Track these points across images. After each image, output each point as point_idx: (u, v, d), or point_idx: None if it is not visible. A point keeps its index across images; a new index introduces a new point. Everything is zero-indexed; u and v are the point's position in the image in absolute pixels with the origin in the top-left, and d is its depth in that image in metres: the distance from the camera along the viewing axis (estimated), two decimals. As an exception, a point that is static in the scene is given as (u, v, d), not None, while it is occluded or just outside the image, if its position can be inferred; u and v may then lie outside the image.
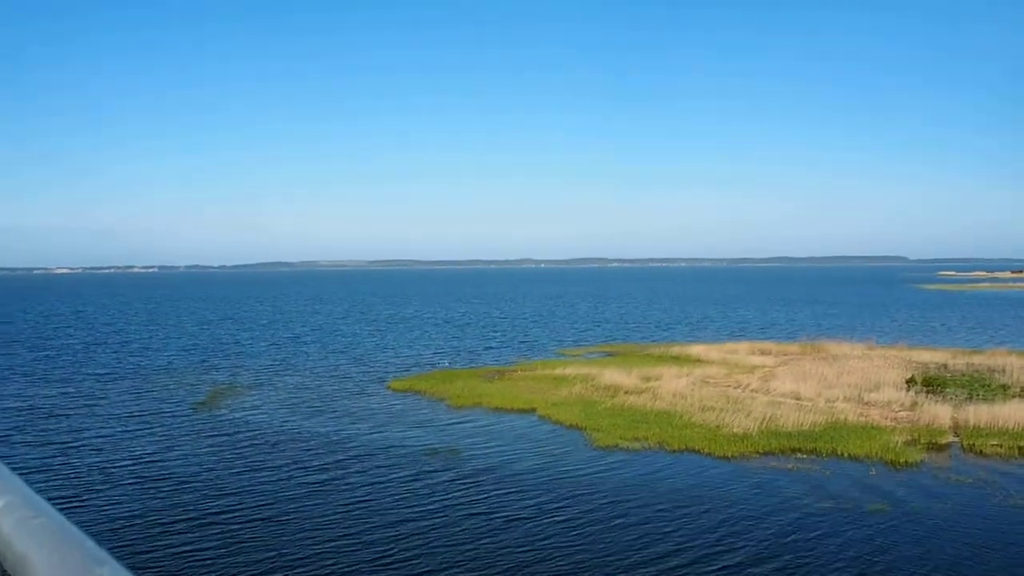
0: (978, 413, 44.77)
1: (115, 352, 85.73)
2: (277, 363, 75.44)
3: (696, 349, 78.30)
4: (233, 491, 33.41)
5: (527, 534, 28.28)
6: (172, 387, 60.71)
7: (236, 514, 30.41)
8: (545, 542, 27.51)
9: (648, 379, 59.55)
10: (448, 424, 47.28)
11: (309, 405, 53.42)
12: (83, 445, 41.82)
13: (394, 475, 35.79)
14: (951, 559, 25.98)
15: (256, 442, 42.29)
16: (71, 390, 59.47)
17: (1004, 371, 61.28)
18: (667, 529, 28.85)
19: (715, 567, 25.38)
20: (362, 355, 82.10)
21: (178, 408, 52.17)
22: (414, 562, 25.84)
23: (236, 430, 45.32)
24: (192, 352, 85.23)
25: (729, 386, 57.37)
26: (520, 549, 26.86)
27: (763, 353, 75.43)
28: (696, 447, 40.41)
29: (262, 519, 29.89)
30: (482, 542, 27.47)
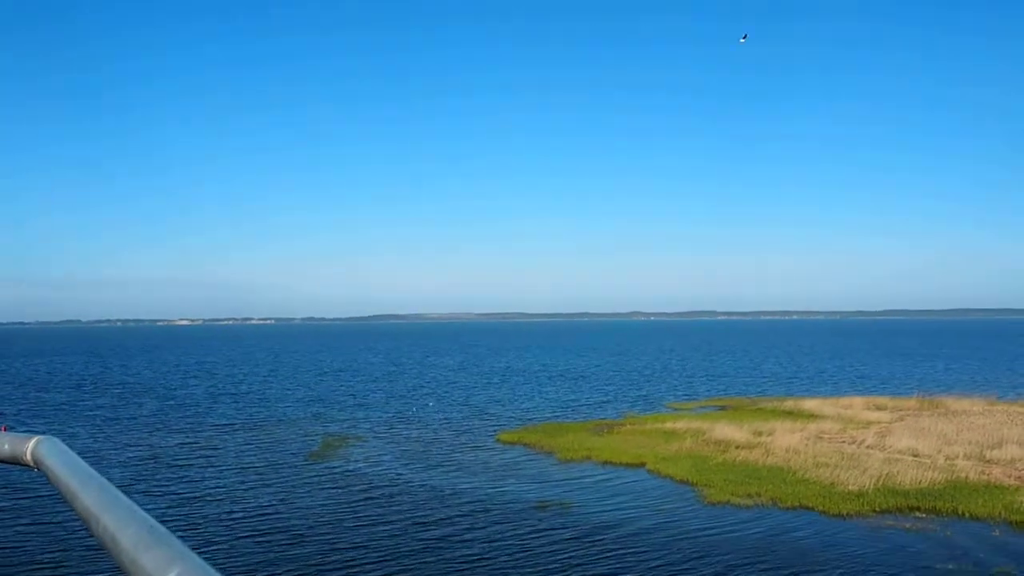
0: (1110, 473, 42.89)
1: (235, 403, 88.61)
2: (391, 415, 76.86)
3: (809, 404, 76.79)
4: (349, 546, 34.15)
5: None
6: (290, 438, 62.47)
7: (353, 570, 31.10)
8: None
9: (760, 434, 58.71)
10: (557, 478, 47.49)
11: (422, 457, 54.33)
12: (203, 496, 43.39)
13: (508, 531, 36.11)
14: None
15: (371, 495, 43.21)
16: (192, 440, 61.73)
17: None
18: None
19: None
20: (474, 407, 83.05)
21: (295, 459, 53.70)
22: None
23: (351, 483, 46.40)
24: (310, 403, 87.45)
25: (844, 442, 56.14)
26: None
27: (879, 408, 73.56)
28: (810, 504, 39.70)
29: None
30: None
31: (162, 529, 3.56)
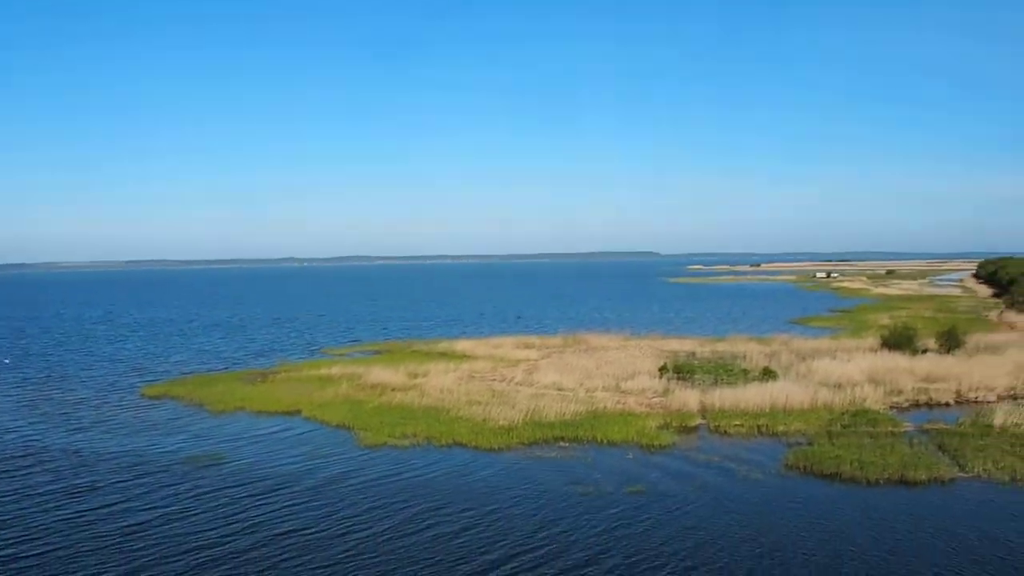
0: (723, 396, 48.35)
1: None
2: (23, 377, 70.25)
3: (462, 345, 79.56)
4: (-26, 521, 30.47)
5: (293, 545, 27.81)
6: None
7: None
8: (314, 554, 27.17)
9: (415, 376, 60.11)
10: (209, 430, 45.90)
11: (60, 420, 50.14)
12: None
13: (163, 493, 33.85)
14: (702, 534, 27.76)
15: (1, 468, 39.08)
16: None
17: (745, 357, 66.26)
18: (429, 526, 29.13)
19: (483, 560, 25.91)
20: (118, 361, 78.30)
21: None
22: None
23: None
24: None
25: (495, 380, 58.73)
26: (288, 560, 26.40)
27: (528, 347, 77.67)
28: (464, 441, 41.23)
29: (23, 559, 27.37)
30: (250, 556, 26.73)
31: None
